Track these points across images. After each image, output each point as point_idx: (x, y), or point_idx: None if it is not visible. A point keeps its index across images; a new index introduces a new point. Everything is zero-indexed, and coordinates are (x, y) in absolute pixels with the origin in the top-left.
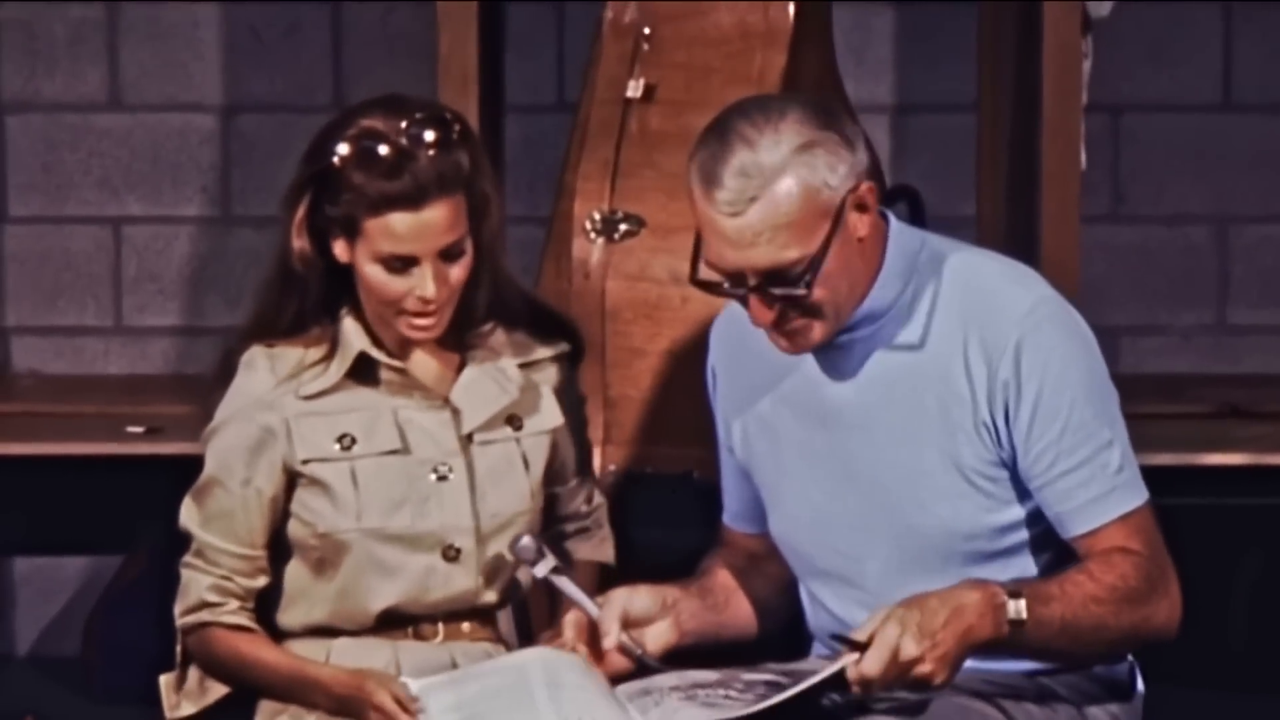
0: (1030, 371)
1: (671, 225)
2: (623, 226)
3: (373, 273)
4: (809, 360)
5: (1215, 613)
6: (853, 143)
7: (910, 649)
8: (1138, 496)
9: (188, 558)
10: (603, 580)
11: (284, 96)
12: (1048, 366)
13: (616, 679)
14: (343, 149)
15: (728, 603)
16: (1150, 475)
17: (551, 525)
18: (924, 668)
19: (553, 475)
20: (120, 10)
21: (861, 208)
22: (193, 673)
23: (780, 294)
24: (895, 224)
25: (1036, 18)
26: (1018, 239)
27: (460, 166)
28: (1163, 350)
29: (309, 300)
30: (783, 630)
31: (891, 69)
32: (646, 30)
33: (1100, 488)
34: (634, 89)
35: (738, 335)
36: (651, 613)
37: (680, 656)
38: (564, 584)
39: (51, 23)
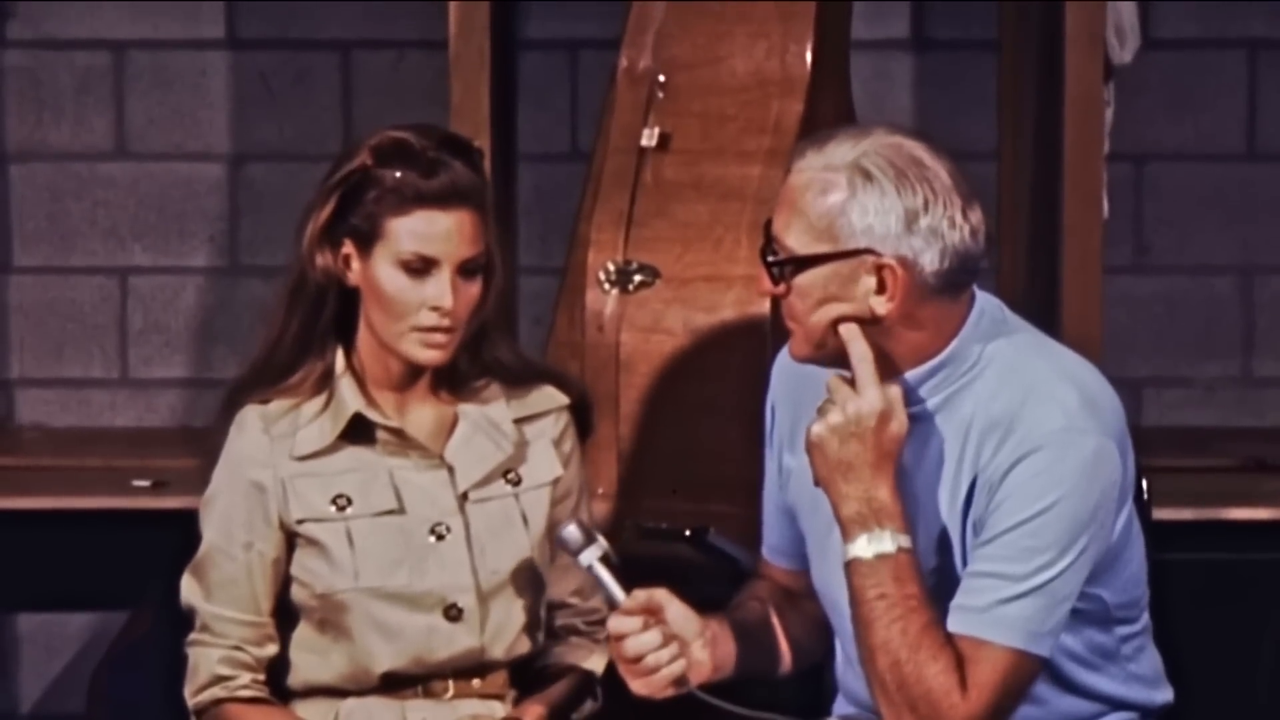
0: (1021, 476)
1: (686, 276)
2: (637, 278)
3: (390, 278)
4: None
5: (1243, 671)
6: (910, 225)
7: None
8: (1017, 639)
9: (193, 635)
10: (584, 687)
11: (293, 145)
12: (1038, 477)
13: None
14: (376, 149)
15: (764, 642)
16: (1173, 530)
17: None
18: None
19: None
20: (127, 58)
21: (879, 281)
22: None
23: (767, 264)
24: (979, 312)
25: (1058, 65)
26: (1039, 290)
27: (486, 192)
28: (1186, 403)
29: (317, 324)
30: (800, 683)
31: (911, 117)
32: (661, 78)
33: (983, 600)
34: (649, 138)
35: (799, 375)
36: (688, 634)
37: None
38: (605, 577)
39: (58, 71)
